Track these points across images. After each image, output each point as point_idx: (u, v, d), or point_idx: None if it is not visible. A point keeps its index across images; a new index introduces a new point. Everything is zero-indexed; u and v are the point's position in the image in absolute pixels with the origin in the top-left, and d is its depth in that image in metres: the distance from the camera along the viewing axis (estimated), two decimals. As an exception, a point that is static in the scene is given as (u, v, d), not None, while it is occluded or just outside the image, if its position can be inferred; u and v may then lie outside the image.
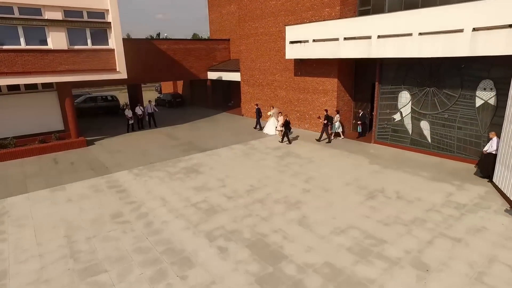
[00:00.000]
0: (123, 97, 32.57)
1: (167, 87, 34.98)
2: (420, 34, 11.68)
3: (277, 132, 17.35)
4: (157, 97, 32.25)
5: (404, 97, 13.99)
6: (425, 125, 13.50)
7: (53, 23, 14.50)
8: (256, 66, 21.36)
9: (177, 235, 8.00)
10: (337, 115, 16.21)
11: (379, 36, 13.01)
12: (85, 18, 15.42)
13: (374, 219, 8.46)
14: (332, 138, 16.38)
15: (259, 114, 19.45)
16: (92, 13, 15.58)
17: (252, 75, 21.87)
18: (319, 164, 12.88)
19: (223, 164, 13.24)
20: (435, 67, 12.74)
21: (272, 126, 17.98)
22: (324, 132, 15.93)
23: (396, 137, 14.55)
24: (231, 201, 9.78)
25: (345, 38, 14.36)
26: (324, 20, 15.57)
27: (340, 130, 16.34)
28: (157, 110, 21.49)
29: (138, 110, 19.92)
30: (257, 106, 19.82)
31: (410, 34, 11.96)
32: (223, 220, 8.65)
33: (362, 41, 13.69)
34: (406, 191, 10.06)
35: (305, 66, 17.80)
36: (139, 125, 20.19)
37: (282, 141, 16.13)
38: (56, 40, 14.75)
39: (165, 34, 55.28)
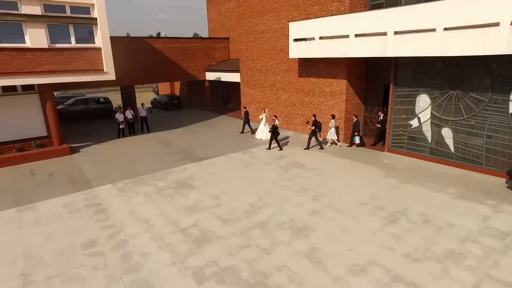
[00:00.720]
0: (119, 99, 31.07)
1: (164, 88, 33.44)
2: (445, 29, 10.16)
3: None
4: (153, 98, 30.74)
5: (423, 101, 12.45)
6: (447, 133, 11.96)
7: (31, 18, 13.03)
8: (257, 66, 19.84)
9: (159, 273, 6.50)
10: (332, 121, 14.66)
11: (396, 33, 11.50)
12: (68, 13, 13.95)
13: (400, 252, 6.95)
14: (329, 145, 15.08)
15: (247, 117, 18.18)
16: (75, 8, 14.10)
17: (253, 75, 20.35)
18: (328, 177, 11.37)
19: (219, 177, 11.74)
20: (461, 67, 11.20)
21: (265, 131, 16.53)
22: (312, 138, 14.59)
23: (413, 145, 13.01)
24: (226, 226, 8.28)
25: (356, 35, 12.85)
26: (332, 15, 14.04)
27: (335, 137, 14.83)
28: (151, 113, 20.00)
29: (128, 114, 18.38)
30: (245, 109, 18.57)
31: (433, 30, 10.44)
32: (216, 252, 7.15)
33: (376, 38, 12.17)
34: (432, 213, 8.54)
35: (310, 66, 16.28)
36: (131, 130, 18.70)
37: (281, 149, 14.69)
38: (35, 37, 13.27)
39: (163, 33, 53.86)
